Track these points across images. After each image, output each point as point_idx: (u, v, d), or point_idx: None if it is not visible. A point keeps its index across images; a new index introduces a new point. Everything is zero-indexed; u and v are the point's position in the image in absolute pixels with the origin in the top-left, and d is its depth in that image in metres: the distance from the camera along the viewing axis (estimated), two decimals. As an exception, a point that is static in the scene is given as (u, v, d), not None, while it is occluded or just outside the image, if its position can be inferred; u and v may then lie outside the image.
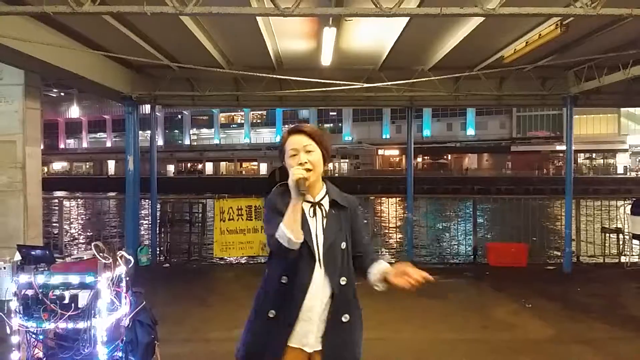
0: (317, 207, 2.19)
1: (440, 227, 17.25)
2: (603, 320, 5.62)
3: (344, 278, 2.16)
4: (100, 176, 58.03)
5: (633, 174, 43.09)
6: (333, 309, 2.14)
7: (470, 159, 52.94)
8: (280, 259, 2.12)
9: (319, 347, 2.14)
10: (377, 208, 12.08)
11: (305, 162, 2.10)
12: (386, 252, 10.62)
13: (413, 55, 7.50)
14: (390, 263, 2.20)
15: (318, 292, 2.13)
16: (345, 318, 2.16)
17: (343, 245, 2.18)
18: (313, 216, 2.17)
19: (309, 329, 2.13)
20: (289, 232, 2.00)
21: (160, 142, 57.94)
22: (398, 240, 12.25)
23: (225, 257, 8.87)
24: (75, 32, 6.14)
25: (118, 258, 3.25)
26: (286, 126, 60.46)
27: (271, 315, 2.15)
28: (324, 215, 2.19)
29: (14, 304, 3.05)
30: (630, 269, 8.22)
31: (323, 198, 2.22)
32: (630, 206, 8.55)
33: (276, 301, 2.15)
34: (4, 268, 5.82)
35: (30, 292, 3.01)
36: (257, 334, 2.19)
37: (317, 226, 2.17)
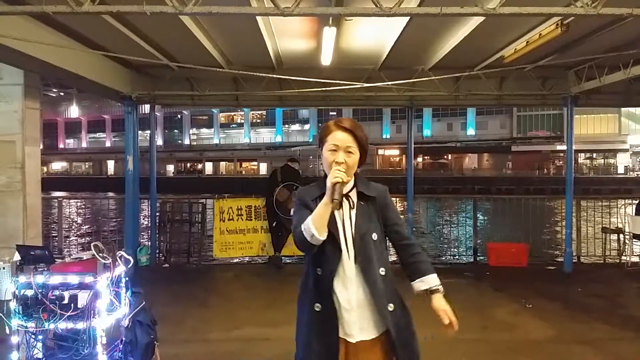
0: (344, 199, 2.18)
1: (441, 227, 17.26)
2: (604, 320, 5.61)
3: (382, 269, 2.18)
4: (99, 176, 58.06)
5: (633, 174, 43.05)
6: (377, 300, 2.14)
7: (470, 159, 52.95)
8: (305, 252, 2.17)
9: (362, 338, 2.15)
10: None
11: (343, 162, 2.11)
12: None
13: (413, 55, 7.49)
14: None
15: (352, 284, 2.15)
16: (390, 307, 2.18)
17: (374, 236, 2.19)
18: (339, 209, 2.16)
19: (348, 319, 2.15)
20: (314, 228, 2.03)
21: (159, 142, 57.99)
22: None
23: (225, 258, 8.86)
24: (75, 32, 6.13)
25: (117, 258, 3.24)
26: (285, 126, 60.72)
27: (317, 309, 2.17)
28: (351, 206, 2.20)
29: (13, 304, 3.05)
30: (630, 269, 8.20)
31: (351, 190, 2.23)
32: (633, 206, 8.55)
33: (318, 294, 2.18)
34: (3, 268, 5.82)
35: (29, 293, 3.01)
36: (308, 331, 2.20)
37: (343, 218, 2.19)
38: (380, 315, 2.16)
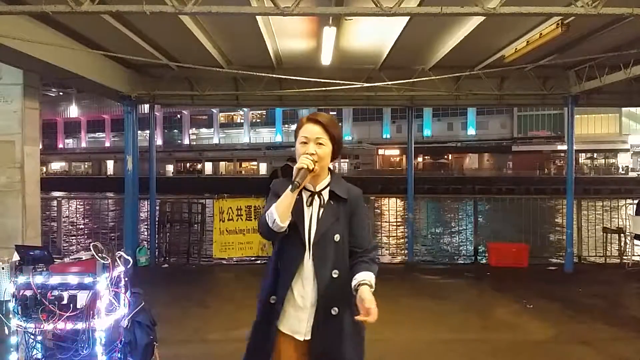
0: (315, 196, 2.20)
1: (441, 227, 17.25)
2: (604, 320, 5.60)
3: (336, 271, 2.15)
4: (99, 176, 58.02)
5: (633, 174, 43.04)
6: (322, 301, 2.14)
7: (471, 158, 52.96)
8: (268, 240, 2.21)
9: (309, 338, 2.15)
10: (377, 208, 12.07)
11: (313, 154, 2.12)
12: (386, 252, 10.59)
13: (413, 55, 7.48)
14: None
15: (309, 282, 2.15)
16: (334, 311, 2.14)
17: (337, 237, 2.16)
18: (309, 205, 2.19)
19: (301, 316, 2.16)
20: (276, 214, 2.05)
21: (159, 141, 57.96)
22: (398, 240, 12.23)
23: (225, 258, 8.85)
24: (75, 32, 6.12)
25: (117, 258, 3.23)
26: (285, 126, 60.73)
27: (272, 301, 2.19)
28: (321, 204, 2.19)
29: (12, 305, 3.03)
30: (631, 270, 8.20)
31: (324, 188, 2.22)
32: (633, 206, 8.53)
33: (274, 286, 2.20)
34: (2, 268, 5.80)
35: (28, 293, 3.00)
36: (259, 321, 2.23)
37: (312, 215, 2.19)
38: (321, 318, 2.14)
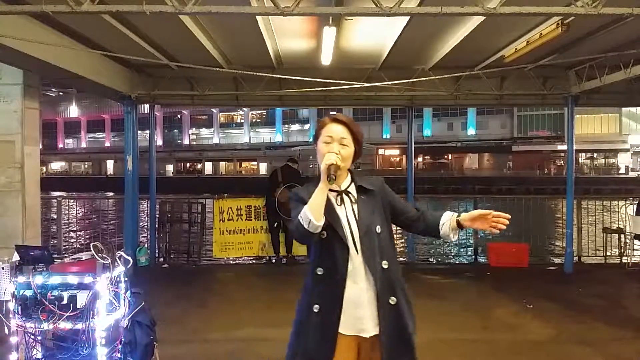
0: (344, 195, 2.22)
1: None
2: (604, 320, 5.60)
3: (385, 262, 2.17)
4: (99, 176, 58.00)
5: (633, 174, 43.04)
6: (379, 293, 2.14)
7: (471, 158, 52.96)
8: (305, 244, 2.20)
9: (376, 332, 2.14)
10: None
11: (337, 153, 2.13)
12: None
13: (413, 55, 7.48)
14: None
15: (361, 279, 2.15)
16: (392, 301, 2.16)
17: (378, 228, 2.19)
18: (341, 204, 2.20)
19: (362, 314, 2.14)
20: (310, 213, 2.01)
21: (159, 141, 57.95)
22: (398, 240, 12.24)
23: (225, 258, 8.85)
24: (75, 32, 6.12)
25: (117, 258, 3.23)
26: (285, 126, 60.73)
27: (316, 310, 2.16)
28: (353, 201, 2.21)
29: (12, 305, 3.04)
30: (631, 270, 8.20)
31: (349, 186, 2.24)
32: (633, 206, 8.53)
33: (318, 295, 2.16)
34: (2, 268, 5.78)
35: (28, 293, 3.00)
36: (305, 331, 2.18)
37: (347, 214, 2.19)
38: (382, 311, 2.15)
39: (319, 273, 2.16)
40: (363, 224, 2.17)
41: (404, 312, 2.19)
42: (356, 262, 2.15)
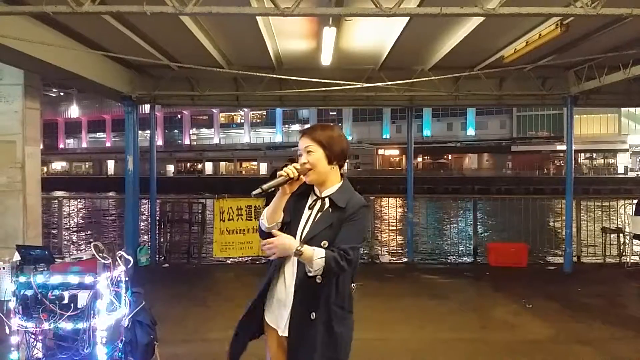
0: (318, 201, 2.29)
1: (441, 227, 17.25)
2: (603, 320, 5.61)
3: (319, 277, 2.12)
4: (99, 176, 57.98)
5: (632, 174, 43.04)
6: (299, 302, 2.18)
7: (470, 159, 52.95)
8: (263, 239, 2.27)
9: (285, 334, 2.23)
10: (377, 208, 12.07)
11: (305, 163, 2.23)
12: (386, 252, 10.61)
13: (413, 55, 7.49)
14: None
15: (291, 282, 2.22)
16: (312, 316, 2.16)
17: (324, 243, 2.15)
18: (311, 209, 2.29)
19: (282, 313, 2.24)
20: (264, 214, 2.26)
21: (159, 142, 57.96)
22: (398, 240, 12.24)
23: (225, 257, 8.86)
24: (75, 32, 6.13)
25: (117, 258, 3.24)
26: (286, 126, 60.69)
27: (268, 285, 2.33)
28: (320, 210, 2.26)
29: (13, 304, 3.05)
30: (630, 269, 8.21)
31: (330, 195, 2.27)
32: (632, 206, 8.54)
33: (267, 274, 2.34)
34: (3, 268, 5.78)
35: (29, 293, 3.01)
36: (253, 302, 2.36)
37: (309, 218, 2.27)
38: (297, 319, 2.18)
39: (272, 259, 2.25)
40: (311, 232, 2.20)
41: (320, 334, 2.15)
42: (290, 263, 2.24)
